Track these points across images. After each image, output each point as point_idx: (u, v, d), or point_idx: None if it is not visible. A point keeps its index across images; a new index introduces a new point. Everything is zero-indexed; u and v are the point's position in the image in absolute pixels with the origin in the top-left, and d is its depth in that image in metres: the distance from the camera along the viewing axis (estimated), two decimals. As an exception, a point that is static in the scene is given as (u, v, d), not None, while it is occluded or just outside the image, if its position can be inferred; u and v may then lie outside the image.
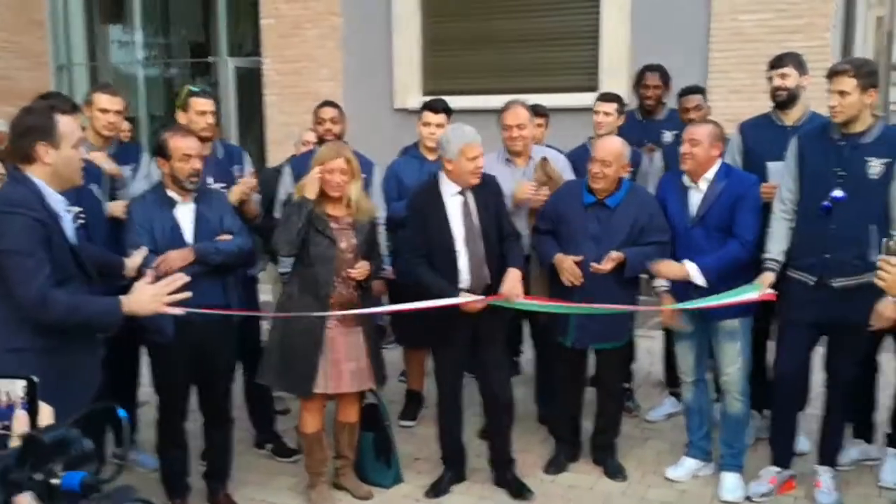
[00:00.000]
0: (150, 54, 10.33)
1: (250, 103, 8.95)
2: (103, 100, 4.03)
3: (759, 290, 3.62)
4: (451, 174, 3.78)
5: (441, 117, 4.58)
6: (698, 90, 4.74)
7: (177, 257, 3.44)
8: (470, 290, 3.77)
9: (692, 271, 3.76)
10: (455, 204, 3.79)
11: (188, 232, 3.58)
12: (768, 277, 3.64)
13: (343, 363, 3.71)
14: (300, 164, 4.49)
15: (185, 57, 10.24)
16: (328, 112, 4.63)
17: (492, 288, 3.80)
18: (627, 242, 3.85)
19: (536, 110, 4.86)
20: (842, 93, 3.48)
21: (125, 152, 4.22)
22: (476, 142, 3.72)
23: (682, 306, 3.81)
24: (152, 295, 2.72)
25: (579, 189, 3.97)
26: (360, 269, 3.69)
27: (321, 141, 4.55)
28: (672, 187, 3.99)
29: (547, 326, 4.16)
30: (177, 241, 3.52)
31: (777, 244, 3.73)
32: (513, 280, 3.77)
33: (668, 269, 3.79)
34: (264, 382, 3.87)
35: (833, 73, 3.53)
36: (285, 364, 3.69)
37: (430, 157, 4.55)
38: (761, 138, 4.13)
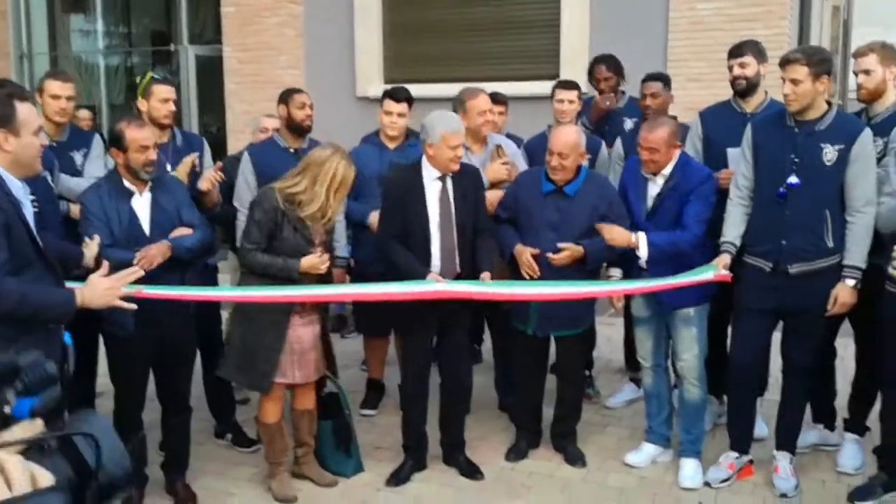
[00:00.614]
0: (111, 43, 10.24)
1: (211, 91, 8.86)
2: (54, 86, 3.98)
3: (714, 270, 3.62)
4: (432, 159, 3.78)
5: (403, 106, 4.55)
6: (660, 77, 4.71)
7: (157, 252, 3.43)
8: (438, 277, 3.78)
9: (640, 241, 3.76)
10: (434, 189, 3.80)
11: (146, 222, 3.53)
12: (724, 259, 3.65)
13: (301, 354, 3.70)
14: (259, 152, 4.47)
15: (147, 45, 10.14)
16: (307, 98, 4.49)
17: (460, 279, 3.81)
18: (588, 229, 3.84)
19: (496, 98, 4.85)
20: (794, 81, 3.47)
21: (78, 138, 4.16)
22: (459, 131, 3.72)
23: (639, 285, 3.80)
24: (106, 288, 2.76)
25: (538, 177, 3.96)
26: (326, 263, 3.69)
27: (300, 128, 4.43)
28: (633, 176, 3.97)
29: (508, 314, 4.14)
30: (135, 232, 3.48)
31: (733, 228, 3.73)
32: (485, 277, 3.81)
33: (617, 234, 3.77)
34: (224, 376, 3.83)
35: (785, 62, 3.52)
36: (246, 359, 3.66)
37: (391, 145, 4.54)
38: (721, 125, 4.13)
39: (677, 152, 3.85)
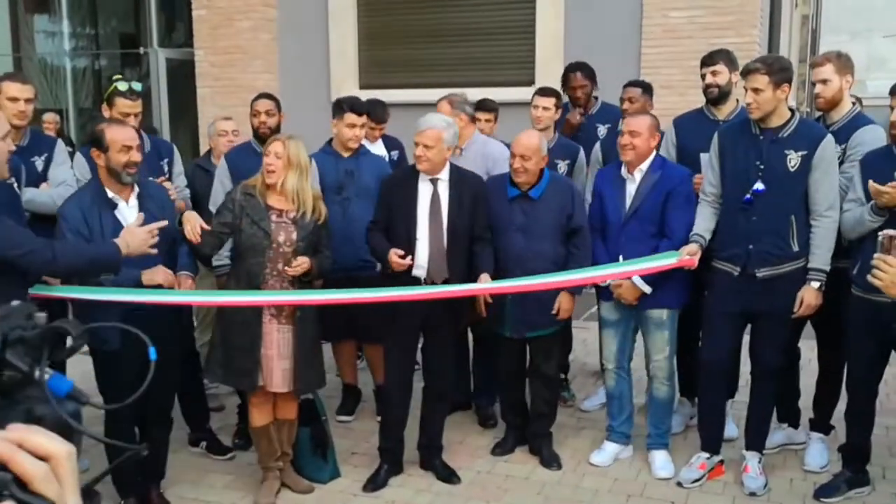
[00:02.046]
0: (77, 45, 10.15)
1: (183, 96, 8.86)
2: (13, 88, 3.90)
3: (678, 256, 3.74)
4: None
5: (364, 119, 4.57)
6: (640, 84, 4.85)
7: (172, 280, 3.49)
8: (425, 280, 3.85)
9: (641, 286, 3.94)
10: (426, 191, 3.88)
11: None
12: (690, 246, 3.76)
13: (275, 360, 3.70)
14: (235, 157, 4.50)
15: (115, 48, 10.08)
16: (263, 104, 4.61)
17: (448, 283, 3.86)
18: (557, 229, 3.99)
19: (486, 105, 4.98)
20: (756, 90, 3.59)
21: (39, 143, 4.10)
22: (421, 128, 3.81)
23: (603, 271, 3.90)
24: (143, 238, 3.05)
25: (503, 184, 4.08)
26: (297, 266, 3.63)
27: (256, 134, 4.55)
28: (609, 179, 4.10)
29: (485, 318, 4.20)
30: None
31: (702, 224, 3.85)
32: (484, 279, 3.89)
33: (627, 293, 3.96)
34: (210, 379, 3.91)
35: (747, 72, 3.66)
36: (230, 359, 3.69)
37: (345, 154, 4.55)
38: (694, 132, 4.23)
39: (654, 152, 3.99)
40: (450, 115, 4.26)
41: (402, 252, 3.76)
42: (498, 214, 4.02)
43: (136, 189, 3.51)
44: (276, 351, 3.68)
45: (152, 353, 1.17)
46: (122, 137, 3.41)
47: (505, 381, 4.41)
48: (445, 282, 3.87)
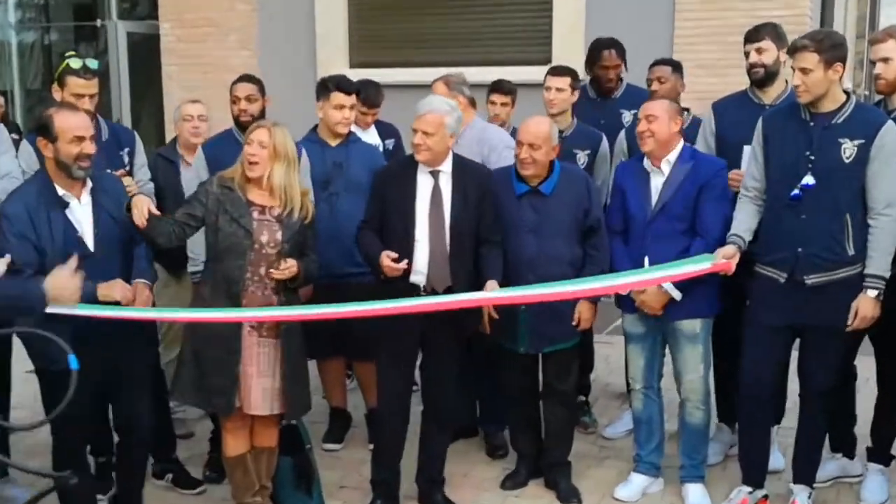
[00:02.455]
0: (24, 17, 10.10)
1: (146, 75, 8.83)
2: None
3: (712, 260, 3.72)
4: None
5: (353, 99, 4.55)
6: (670, 62, 4.82)
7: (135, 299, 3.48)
8: (425, 288, 3.85)
9: (670, 291, 3.93)
10: (425, 185, 3.87)
11: (88, 235, 3.46)
12: (729, 249, 3.74)
13: (254, 378, 3.70)
14: (214, 147, 4.49)
15: (68, 20, 10.03)
16: (243, 88, 4.59)
17: (451, 292, 3.85)
18: (573, 228, 4.00)
19: (502, 87, 4.93)
20: (804, 70, 3.59)
21: None
22: (420, 113, 3.81)
23: (627, 279, 3.86)
24: (72, 291, 2.90)
25: (508, 178, 4.06)
26: (285, 270, 3.64)
27: (237, 122, 4.56)
28: (631, 173, 4.12)
29: (489, 334, 4.21)
30: (74, 248, 3.29)
31: (742, 223, 3.83)
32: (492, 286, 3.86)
33: (652, 299, 3.97)
34: (178, 401, 3.94)
35: (793, 50, 3.67)
36: (202, 376, 3.68)
37: (332, 142, 4.53)
38: (737, 119, 4.17)
39: (680, 137, 4.00)
40: (446, 97, 4.26)
41: (395, 255, 3.76)
42: (504, 214, 4.02)
43: (90, 184, 3.49)
44: (257, 368, 3.68)
45: (72, 361, 1.21)
46: (73, 125, 3.37)
47: (515, 401, 4.38)
48: (448, 290, 3.86)
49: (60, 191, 3.40)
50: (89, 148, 3.38)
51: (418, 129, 3.79)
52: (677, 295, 3.93)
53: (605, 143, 4.75)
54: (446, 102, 3.92)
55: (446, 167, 3.90)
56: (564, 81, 4.70)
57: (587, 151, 4.69)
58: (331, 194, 4.41)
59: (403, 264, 3.76)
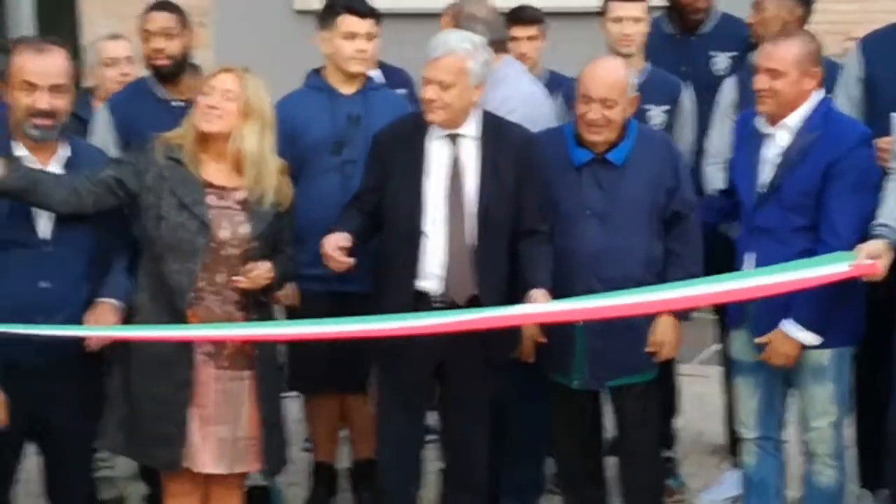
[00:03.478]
0: None
1: (56, 2, 8.34)
2: None
3: (851, 260, 3.28)
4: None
5: (369, 24, 4.03)
6: None
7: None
8: (441, 300, 3.47)
9: (794, 334, 3.42)
10: (441, 154, 3.49)
11: (43, 220, 3.16)
12: (872, 246, 3.27)
13: (210, 425, 3.28)
14: (122, 104, 4.05)
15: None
16: (156, 19, 4.06)
17: (476, 305, 3.45)
18: (652, 214, 3.59)
19: (524, 16, 4.53)
20: None
21: None
22: (433, 56, 3.42)
23: (726, 284, 3.46)
24: None
25: (562, 142, 3.63)
26: (254, 275, 3.25)
27: (155, 69, 4.05)
28: (743, 131, 3.64)
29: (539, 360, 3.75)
30: (20, 234, 3.13)
31: (893, 210, 3.36)
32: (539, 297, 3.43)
33: (782, 347, 3.45)
34: (105, 447, 3.58)
35: None
36: (138, 420, 3.33)
37: (346, 89, 4.01)
38: (893, 63, 3.68)
39: (816, 93, 3.46)
40: None
41: (346, 244, 3.36)
42: (559, 192, 3.61)
43: (64, 152, 3.24)
44: (213, 410, 3.28)
45: None
46: (25, 67, 3.12)
47: (569, 457, 3.89)
48: (473, 302, 3.46)
49: (19, 151, 3.17)
50: (42, 102, 3.10)
51: (431, 78, 3.41)
52: (811, 339, 3.41)
53: (686, 93, 4.22)
54: (468, 39, 3.51)
55: (470, 130, 3.49)
56: (641, 7, 4.17)
57: (664, 107, 4.14)
58: (345, 162, 3.89)
59: (347, 259, 3.38)
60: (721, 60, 4.42)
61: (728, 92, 4.16)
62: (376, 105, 4.03)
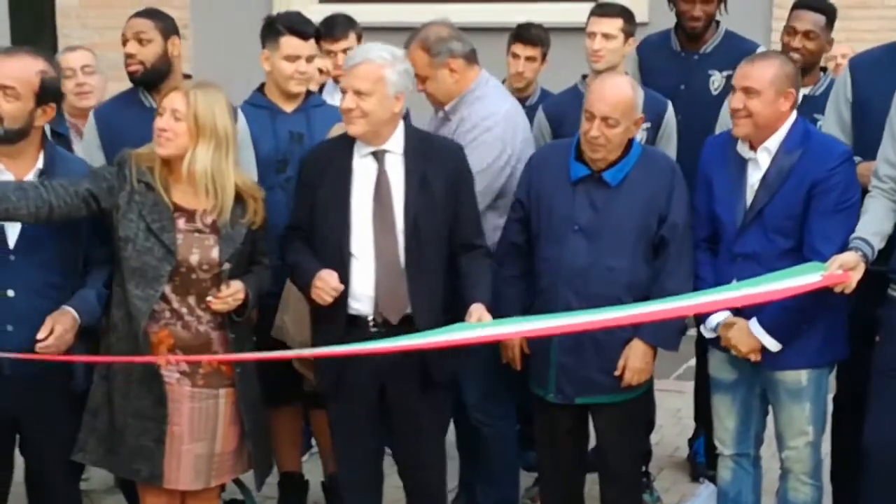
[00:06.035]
0: None
1: (34, 9, 8.19)
2: None
3: (823, 270, 3.27)
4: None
5: (312, 46, 4.07)
6: (821, 7, 4.09)
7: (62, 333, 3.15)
8: (374, 321, 3.41)
9: (761, 338, 3.41)
10: (365, 172, 3.42)
11: (12, 229, 3.13)
12: (849, 257, 3.26)
13: (185, 442, 3.30)
14: (110, 113, 3.98)
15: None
16: (134, 26, 3.91)
17: (410, 324, 3.39)
18: (641, 237, 3.54)
19: (527, 35, 4.58)
20: None
21: None
22: (351, 64, 3.41)
23: (699, 299, 3.44)
24: None
25: (565, 154, 3.57)
26: (225, 296, 3.23)
27: (129, 75, 3.93)
28: (721, 157, 3.58)
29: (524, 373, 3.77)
30: None
31: (869, 224, 3.37)
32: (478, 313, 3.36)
33: (741, 340, 3.44)
34: (86, 461, 3.48)
35: None
36: (118, 434, 3.32)
37: (287, 106, 4.02)
38: (885, 83, 3.57)
39: (790, 115, 3.43)
40: (428, 67, 3.80)
41: (335, 275, 3.31)
42: (551, 205, 3.57)
43: (41, 162, 3.21)
44: (188, 427, 3.29)
45: None
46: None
47: (548, 471, 3.85)
48: (406, 321, 3.40)
49: None
50: (12, 106, 3.06)
51: (348, 87, 3.35)
52: (773, 345, 3.42)
53: (670, 111, 4.18)
54: (388, 50, 3.43)
55: (395, 145, 3.44)
56: (614, 25, 4.16)
57: (646, 124, 4.06)
58: (288, 178, 3.88)
59: (338, 286, 3.34)
60: (717, 79, 4.35)
61: (724, 115, 4.04)
62: (318, 122, 4.01)
